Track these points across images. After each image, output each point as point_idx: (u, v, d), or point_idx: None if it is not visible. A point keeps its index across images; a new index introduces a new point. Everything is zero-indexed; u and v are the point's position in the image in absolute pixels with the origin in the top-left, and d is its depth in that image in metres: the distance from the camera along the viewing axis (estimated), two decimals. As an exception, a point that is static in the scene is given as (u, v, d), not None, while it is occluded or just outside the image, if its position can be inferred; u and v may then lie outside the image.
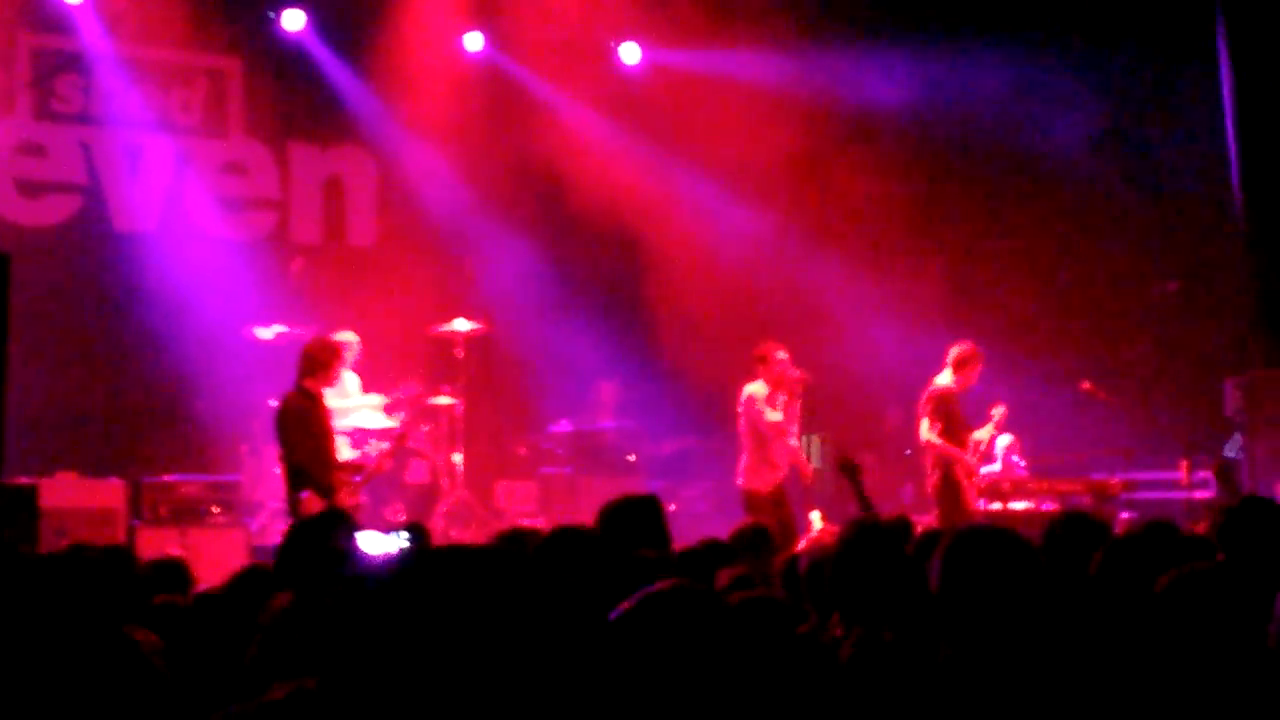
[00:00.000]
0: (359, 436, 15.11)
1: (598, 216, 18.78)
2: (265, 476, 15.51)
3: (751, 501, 13.99)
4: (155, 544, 13.90)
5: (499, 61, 18.70)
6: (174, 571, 7.93)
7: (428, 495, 16.07)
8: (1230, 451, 16.01)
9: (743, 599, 5.50)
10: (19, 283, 12.42)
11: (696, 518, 15.87)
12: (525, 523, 15.59)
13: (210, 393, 16.56)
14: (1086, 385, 15.85)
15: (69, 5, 16.67)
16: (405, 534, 6.92)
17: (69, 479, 14.79)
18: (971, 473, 14.52)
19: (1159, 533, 6.67)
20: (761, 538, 8.68)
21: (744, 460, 14.32)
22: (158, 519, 14.86)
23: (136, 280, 16.84)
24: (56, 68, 16.98)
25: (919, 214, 18.22)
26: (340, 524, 7.10)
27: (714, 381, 15.01)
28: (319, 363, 12.94)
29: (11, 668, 4.37)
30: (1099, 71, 18.10)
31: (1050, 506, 14.39)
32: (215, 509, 15.15)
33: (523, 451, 18.09)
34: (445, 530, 15.57)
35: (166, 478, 15.20)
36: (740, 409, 14.37)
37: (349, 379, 15.33)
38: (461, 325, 16.52)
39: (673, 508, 15.00)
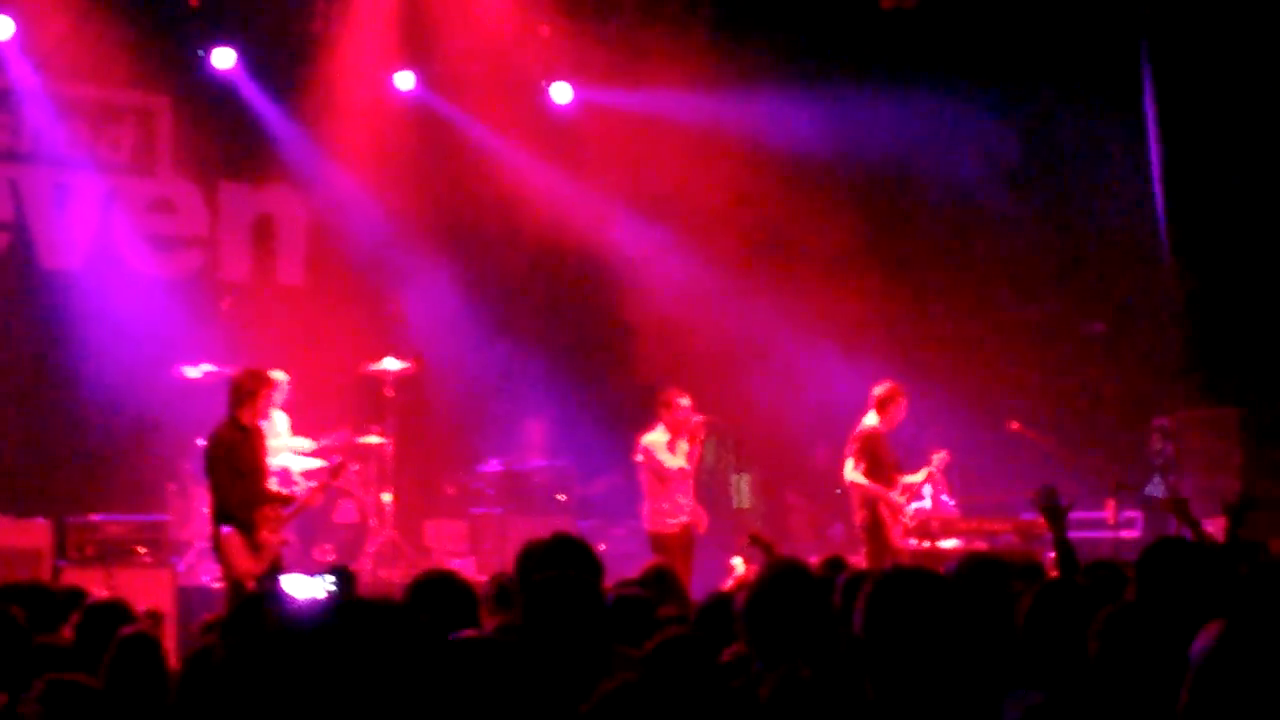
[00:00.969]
0: (285, 476, 15.03)
1: (529, 255, 18.84)
2: (193, 516, 15.41)
3: (659, 544, 14.10)
4: (80, 584, 13.78)
5: (430, 100, 18.70)
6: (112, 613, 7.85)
7: (356, 535, 16.01)
8: (1153, 491, 16.13)
9: (664, 639, 5.54)
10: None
11: (626, 557, 15.83)
12: (454, 563, 15.61)
13: (137, 432, 16.46)
14: (1015, 425, 15.93)
15: (-3, 42, 16.58)
16: (330, 578, 6.91)
17: (-8, 518, 14.68)
18: (897, 510, 14.60)
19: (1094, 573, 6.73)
20: (667, 579, 8.71)
21: (647, 505, 14.44)
22: (83, 559, 14.71)
23: (63, 318, 16.73)
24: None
25: (846, 254, 18.26)
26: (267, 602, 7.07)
27: (645, 420, 15.02)
28: (246, 392, 12.91)
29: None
30: (1022, 113, 18.22)
31: (980, 545, 14.48)
32: (141, 549, 15.02)
33: (452, 491, 18.04)
34: (374, 570, 15.50)
35: (92, 517, 15.05)
36: (640, 457, 14.52)
37: (278, 418, 15.27)
38: (391, 364, 16.48)
39: (602, 547, 15.05)
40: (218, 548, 12.69)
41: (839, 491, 15.42)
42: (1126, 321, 18.18)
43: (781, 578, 5.78)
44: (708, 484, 14.91)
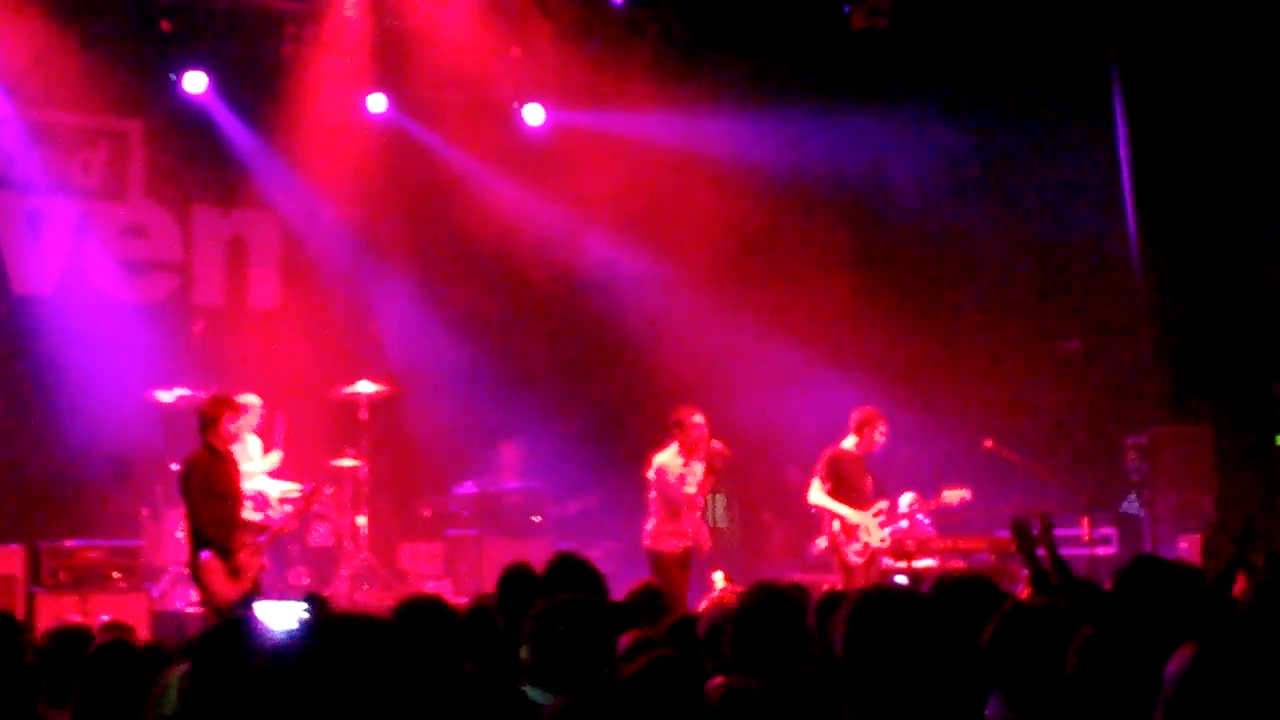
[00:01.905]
0: (261, 500, 15.00)
1: (502, 277, 18.83)
2: (167, 541, 15.38)
3: (658, 563, 14.00)
4: (55, 610, 13.76)
5: (402, 123, 18.69)
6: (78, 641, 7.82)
7: (331, 558, 15.99)
8: (1127, 509, 16.17)
9: (649, 660, 5.53)
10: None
11: (607, 578, 15.81)
12: (430, 585, 15.59)
13: (111, 457, 16.42)
14: (989, 444, 15.95)
15: (-33, 67, 16.55)
16: (304, 605, 6.89)
17: (-35, 545, 14.64)
18: (851, 532, 14.67)
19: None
20: (656, 599, 8.70)
21: (652, 524, 14.29)
22: (58, 585, 14.68)
23: (36, 343, 16.69)
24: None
25: (820, 274, 18.29)
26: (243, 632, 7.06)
27: (619, 442, 15.03)
28: (209, 418, 12.88)
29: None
30: (993, 131, 18.26)
31: (956, 564, 14.51)
32: (116, 574, 15.00)
33: (427, 513, 18.00)
34: (349, 593, 15.48)
35: (67, 543, 15.02)
36: (652, 476, 14.33)
37: (251, 442, 15.24)
38: (365, 387, 16.48)
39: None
40: (196, 573, 12.65)
41: (814, 511, 15.44)
42: (1100, 339, 18.21)
43: (766, 601, 5.79)
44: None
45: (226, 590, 12.44)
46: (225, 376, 15.58)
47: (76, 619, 12.62)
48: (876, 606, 4.55)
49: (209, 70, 17.60)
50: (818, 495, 14.82)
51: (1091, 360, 18.20)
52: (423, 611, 6.62)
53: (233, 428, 13.09)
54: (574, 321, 18.94)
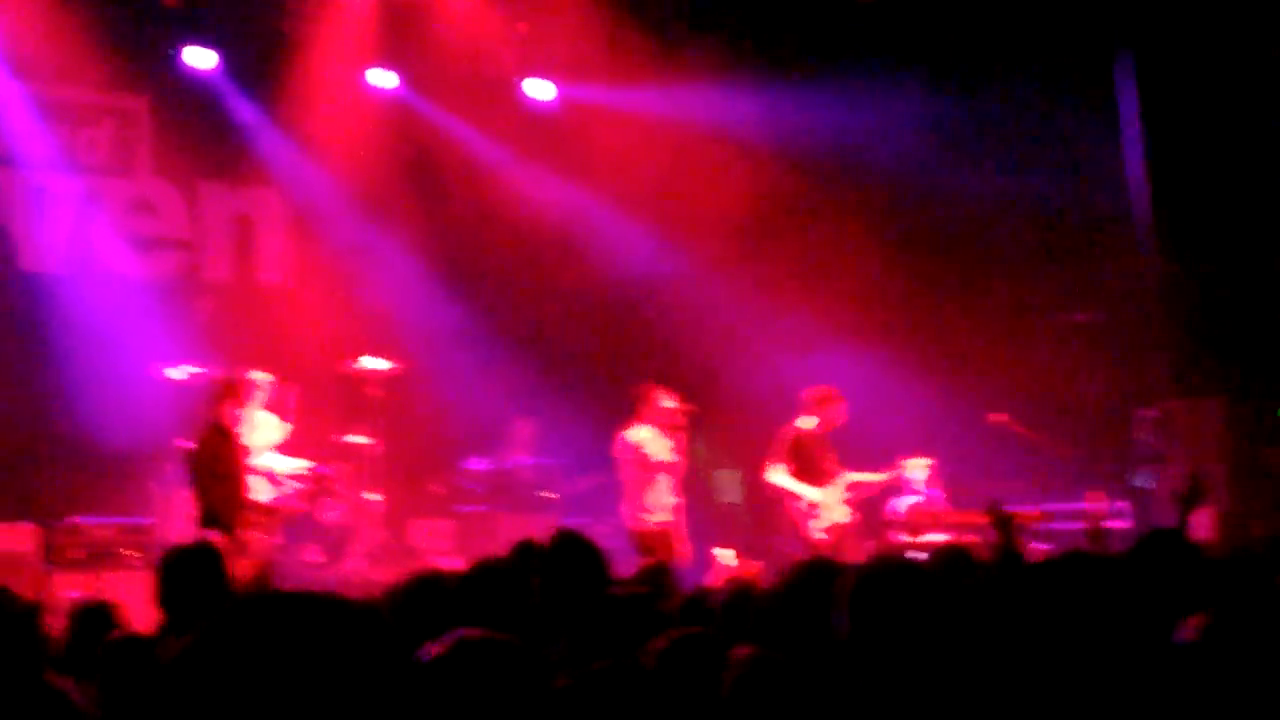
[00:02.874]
0: (271, 478, 14.96)
1: (511, 253, 18.81)
2: (177, 518, 15.34)
3: (642, 542, 14.03)
4: (68, 587, 13.76)
5: (408, 98, 18.66)
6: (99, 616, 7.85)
7: (343, 535, 15.97)
8: (1139, 482, 16.14)
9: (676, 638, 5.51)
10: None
11: (613, 554, 15.80)
12: (442, 561, 15.57)
13: (120, 434, 16.40)
14: (999, 417, 15.92)
15: (-26, 44, 16.52)
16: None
17: (-23, 523, 14.65)
18: (814, 510, 14.75)
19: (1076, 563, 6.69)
20: (663, 575, 8.68)
21: (626, 503, 14.37)
22: (70, 563, 14.69)
23: (43, 320, 16.66)
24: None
25: (831, 249, 18.27)
26: (208, 558, 7.13)
27: (631, 417, 14.98)
28: (216, 396, 12.91)
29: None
30: (1002, 104, 18.20)
31: (969, 539, 14.48)
32: (129, 551, 15.00)
33: (439, 490, 17.98)
34: (362, 571, 15.47)
35: (78, 520, 15.03)
36: (616, 453, 14.43)
37: (262, 418, 15.20)
38: (375, 363, 16.46)
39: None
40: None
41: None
42: (1110, 312, 18.17)
43: (814, 575, 5.75)
44: (687, 478, 14.85)
45: (234, 569, 12.42)
46: (234, 353, 15.56)
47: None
48: (879, 581, 4.52)
49: (215, 46, 17.58)
50: (778, 475, 14.90)
51: (1102, 333, 18.15)
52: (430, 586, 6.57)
53: (240, 411, 13.09)
54: (585, 297, 18.89)
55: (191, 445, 12.94)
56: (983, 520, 15.03)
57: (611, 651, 5.43)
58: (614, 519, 16.20)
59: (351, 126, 18.11)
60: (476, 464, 17.83)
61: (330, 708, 2.62)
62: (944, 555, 8.43)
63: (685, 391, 14.68)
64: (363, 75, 18.36)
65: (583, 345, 18.91)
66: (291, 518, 14.20)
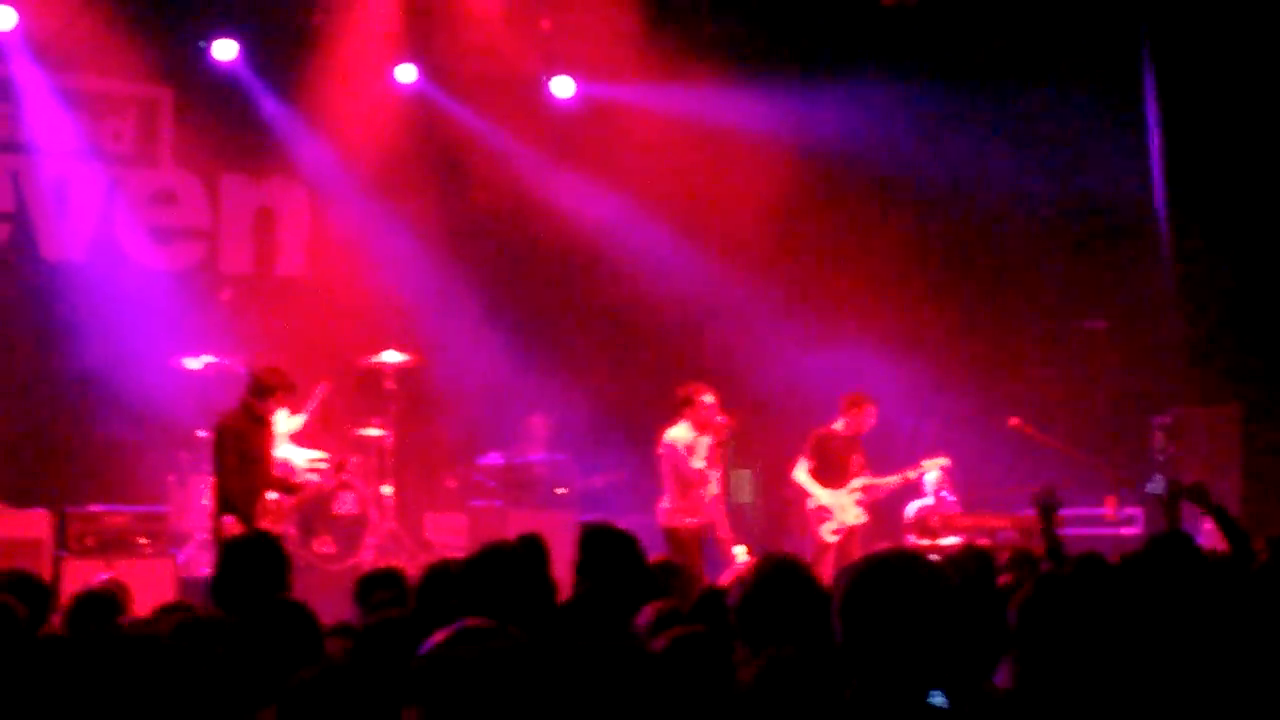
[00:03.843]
0: (287, 469, 15.02)
1: (530, 249, 18.85)
2: (192, 507, 15.44)
3: (675, 540, 14.06)
4: (82, 575, 13.81)
5: (431, 94, 18.69)
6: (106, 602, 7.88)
7: (356, 527, 16.00)
8: (1152, 489, 16.13)
9: (674, 637, 5.53)
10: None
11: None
12: (455, 555, 15.59)
13: (138, 423, 16.46)
14: (1015, 422, 15.94)
15: (-1, 33, 16.58)
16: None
17: (-8, 508, 14.72)
18: (826, 511, 15.02)
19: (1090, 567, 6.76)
20: (677, 573, 8.68)
21: (666, 502, 14.37)
22: (84, 550, 14.75)
23: (64, 309, 16.72)
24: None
25: (848, 252, 18.30)
26: (269, 549, 7.16)
27: (646, 415, 15.03)
28: (267, 387, 12.99)
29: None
30: (1023, 108, 18.19)
31: (982, 542, 14.49)
32: (143, 540, 15.06)
33: (452, 484, 18.02)
34: (375, 563, 15.50)
35: (93, 508, 15.10)
36: (661, 452, 14.42)
37: (279, 410, 15.26)
38: (391, 357, 16.51)
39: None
40: (219, 538, 12.69)
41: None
42: (1127, 317, 18.16)
43: (776, 573, 5.79)
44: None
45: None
46: (252, 344, 15.62)
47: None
48: (874, 577, 4.52)
49: (239, 38, 17.62)
50: (800, 474, 15.21)
51: (1118, 339, 18.14)
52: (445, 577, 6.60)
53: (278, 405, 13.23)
54: (603, 294, 18.92)
55: (217, 428, 12.99)
56: (995, 524, 15.14)
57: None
58: (631, 515, 16.23)
59: (374, 121, 18.14)
60: (491, 459, 17.87)
61: None
62: (964, 556, 8.43)
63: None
64: (386, 70, 18.38)
65: (600, 342, 18.94)
66: (305, 508, 14.24)
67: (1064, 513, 15.49)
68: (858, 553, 14.27)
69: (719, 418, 14.35)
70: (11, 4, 16.43)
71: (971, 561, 8.13)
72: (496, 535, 16.36)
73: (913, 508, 15.84)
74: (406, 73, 18.48)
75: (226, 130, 17.91)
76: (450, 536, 17.11)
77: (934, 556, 13.95)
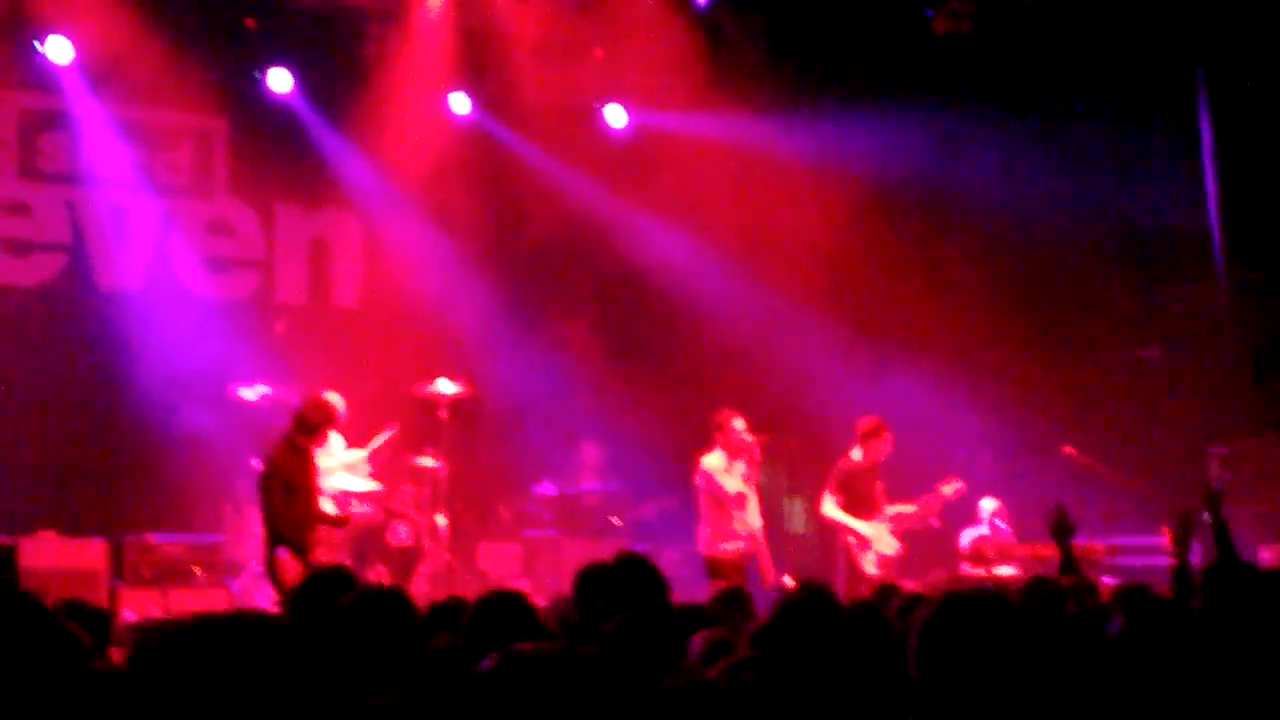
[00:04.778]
0: (342, 499, 15.05)
1: (582, 279, 18.86)
2: (247, 537, 15.46)
3: (716, 568, 14.04)
4: (137, 605, 13.87)
5: (485, 123, 18.73)
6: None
7: (410, 557, 16.02)
8: (1209, 518, 16.00)
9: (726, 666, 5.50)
10: (2, 341, 12.39)
11: (680, 581, 15.78)
12: (509, 584, 15.60)
13: (193, 453, 16.52)
14: (1069, 450, 15.86)
15: (56, 65, 16.68)
16: None
17: (49, 538, 14.74)
18: (866, 544, 14.72)
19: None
20: (739, 601, 8.63)
21: (704, 529, 14.34)
22: (140, 580, 14.81)
23: (121, 339, 16.80)
24: (42, 126, 17.03)
25: (905, 279, 18.25)
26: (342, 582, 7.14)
27: (699, 444, 15.00)
28: (311, 424, 12.99)
29: None
30: (1080, 137, 18.14)
31: (1037, 571, 14.42)
32: (198, 570, 15.11)
33: (506, 513, 18.03)
34: (429, 593, 15.50)
35: (149, 537, 15.15)
36: (698, 480, 14.40)
37: (334, 439, 15.30)
38: (445, 387, 16.53)
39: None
40: (272, 570, 12.71)
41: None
42: (1182, 346, 18.06)
43: (803, 603, 5.76)
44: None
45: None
46: (306, 374, 15.66)
47: (158, 614, 12.73)
48: (954, 615, 4.50)
49: (293, 69, 17.71)
50: (829, 509, 14.97)
51: (1173, 367, 18.04)
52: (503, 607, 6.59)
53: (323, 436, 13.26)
54: (655, 323, 18.91)
55: (265, 463, 13.02)
56: (1050, 553, 15.05)
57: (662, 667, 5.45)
58: (683, 544, 16.21)
59: (427, 151, 18.18)
60: (544, 489, 17.87)
61: None
62: (1034, 588, 8.36)
63: (757, 419, 14.66)
64: (439, 99, 18.44)
65: (654, 371, 18.92)
66: (359, 538, 14.26)
67: (1119, 541, 15.50)
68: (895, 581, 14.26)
69: (748, 438, 14.32)
70: (69, 36, 16.56)
71: (1038, 593, 8.06)
72: (551, 565, 16.50)
73: (967, 536, 15.77)
74: (460, 102, 18.54)
75: (281, 161, 18.00)
76: (504, 566, 17.12)
77: (992, 586, 14.00)
